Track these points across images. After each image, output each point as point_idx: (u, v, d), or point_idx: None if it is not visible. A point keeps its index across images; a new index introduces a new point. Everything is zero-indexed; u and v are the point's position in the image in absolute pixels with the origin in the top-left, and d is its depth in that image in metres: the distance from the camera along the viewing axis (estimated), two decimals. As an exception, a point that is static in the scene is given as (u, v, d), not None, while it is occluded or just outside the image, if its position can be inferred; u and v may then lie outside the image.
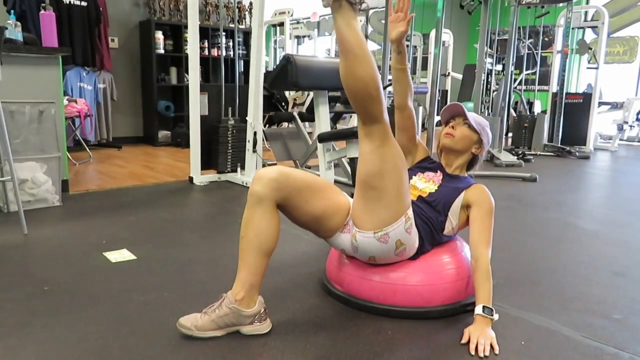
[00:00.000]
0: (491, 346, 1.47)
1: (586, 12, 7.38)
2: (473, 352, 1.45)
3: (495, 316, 1.56)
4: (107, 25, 5.49)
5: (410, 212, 1.61)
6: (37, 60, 3.12)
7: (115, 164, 4.68)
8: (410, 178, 1.88)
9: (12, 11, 3.47)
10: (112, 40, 5.70)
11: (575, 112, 6.49)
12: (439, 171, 1.89)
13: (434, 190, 1.82)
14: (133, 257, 2.20)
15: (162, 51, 5.88)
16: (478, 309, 1.56)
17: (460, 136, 1.84)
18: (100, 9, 5.34)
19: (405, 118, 1.91)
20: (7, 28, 2.53)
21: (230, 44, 6.15)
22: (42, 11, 3.25)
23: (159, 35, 5.82)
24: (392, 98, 2.64)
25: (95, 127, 5.42)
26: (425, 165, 1.94)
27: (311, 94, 5.09)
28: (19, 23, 3.16)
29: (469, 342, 1.50)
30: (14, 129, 2.90)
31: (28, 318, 1.62)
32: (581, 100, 6.51)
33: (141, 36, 5.95)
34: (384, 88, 4.83)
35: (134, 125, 6.10)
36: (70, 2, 5.05)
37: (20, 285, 1.89)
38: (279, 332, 1.56)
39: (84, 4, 5.16)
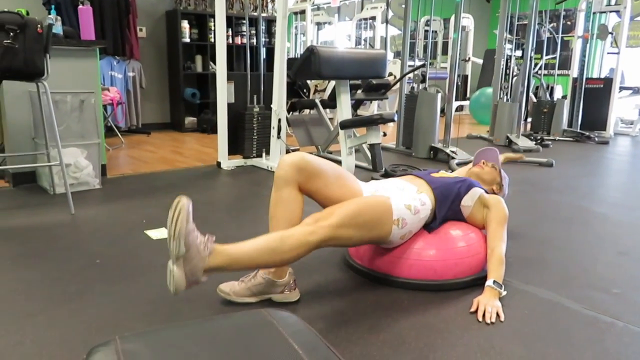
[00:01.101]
0: (497, 314, 1.65)
1: (609, -4, 7.31)
2: (480, 319, 1.63)
3: (504, 292, 1.74)
4: (136, 16, 5.70)
5: (395, 214, 1.75)
6: (76, 52, 3.34)
7: (146, 149, 4.92)
8: (439, 170, 2.19)
9: (52, 6, 3.68)
10: (140, 30, 5.91)
11: (595, 97, 6.50)
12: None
13: (460, 177, 2.11)
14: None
15: (187, 40, 6.08)
16: (489, 282, 1.75)
17: (488, 171, 2.31)
18: (129, 0, 5.54)
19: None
20: (53, 24, 2.73)
21: (254, 32, 6.31)
22: (80, 6, 3.46)
23: (185, 24, 6.01)
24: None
25: (125, 113, 5.66)
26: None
27: (332, 82, 5.24)
28: (59, 17, 3.37)
29: (477, 310, 1.68)
30: (57, 117, 3.11)
31: (85, 286, 1.85)
32: (602, 86, 6.52)
33: (167, 25, 6.15)
34: (411, 72, 4.93)
35: (161, 112, 6.34)
36: (101, -6, 5.27)
37: (74, 258, 2.12)
38: (307, 300, 1.76)
39: (113, -5, 5.37)
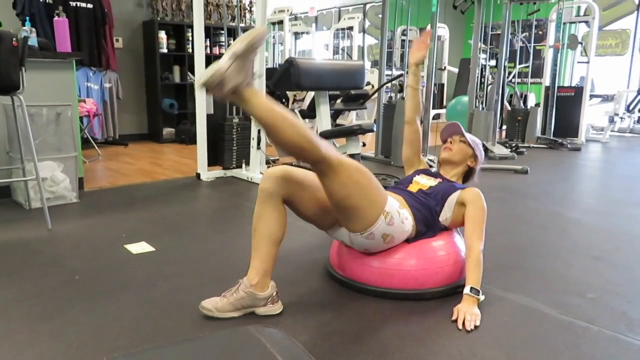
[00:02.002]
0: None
1: (578, 7, 7.54)
2: (460, 327, 1.66)
3: (482, 297, 1.77)
4: (112, 26, 5.66)
5: (387, 207, 1.77)
6: (52, 64, 3.30)
7: (123, 161, 4.87)
8: (414, 176, 2.15)
9: (27, 18, 3.64)
10: (117, 40, 5.86)
11: (567, 105, 6.67)
12: (438, 177, 2.14)
13: (434, 185, 2.06)
14: (152, 248, 2.40)
15: (165, 50, 6.05)
16: (466, 289, 1.77)
17: (457, 150, 2.15)
18: (105, 10, 5.50)
19: (413, 132, 2.22)
20: (29, 37, 2.70)
21: (231, 42, 6.31)
22: (56, 17, 3.42)
23: (162, 34, 5.99)
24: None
25: (102, 125, 5.59)
26: (427, 171, 2.20)
27: (311, 92, 5.28)
28: (33, 29, 3.34)
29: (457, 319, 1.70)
30: (33, 130, 3.06)
31: (66, 303, 1.82)
32: (573, 94, 6.70)
33: (145, 36, 6.12)
34: (389, 82, 5.00)
35: (139, 123, 6.28)
36: (76, 4, 5.22)
37: (53, 274, 2.08)
38: (290, 312, 1.76)
39: (89, 6, 5.33)
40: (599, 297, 1.95)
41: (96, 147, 5.07)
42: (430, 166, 2.36)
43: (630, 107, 7.32)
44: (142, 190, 3.69)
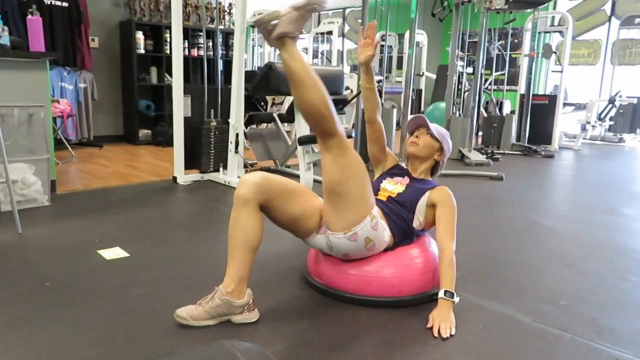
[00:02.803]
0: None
1: (552, 17, 7.71)
2: (436, 334, 1.67)
3: (456, 299, 1.78)
4: (88, 26, 5.56)
5: (374, 211, 1.80)
6: (25, 64, 3.22)
7: (98, 163, 4.78)
8: (381, 182, 2.12)
9: (0, 16, 3.55)
10: (93, 40, 5.76)
11: (541, 112, 6.81)
12: (406, 176, 2.11)
13: (402, 191, 2.04)
14: (126, 254, 2.36)
15: (142, 51, 5.97)
16: (441, 293, 1.78)
17: (423, 144, 2.08)
18: (81, 9, 5.41)
19: (375, 131, 2.15)
20: (1, 35, 2.63)
21: (209, 44, 6.27)
22: (30, 16, 3.34)
23: (140, 35, 5.91)
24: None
25: (76, 126, 5.48)
26: (394, 171, 2.17)
27: (290, 96, 5.26)
28: (5, 27, 3.25)
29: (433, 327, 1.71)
30: (4, 131, 2.98)
31: (36, 311, 1.77)
32: (547, 102, 6.84)
33: (121, 36, 6.02)
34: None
35: (114, 124, 6.18)
36: (51, 3, 5.11)
37: (23, 281, 2.03)
38: (267, 320, 1.75)
39: (65, 4, 5.23)
40: (571, 304, 1.98)
41: (70, 149, 4.96)
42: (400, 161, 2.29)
43: (602, 116, 7.51)
44: (117, 193, 3.62)
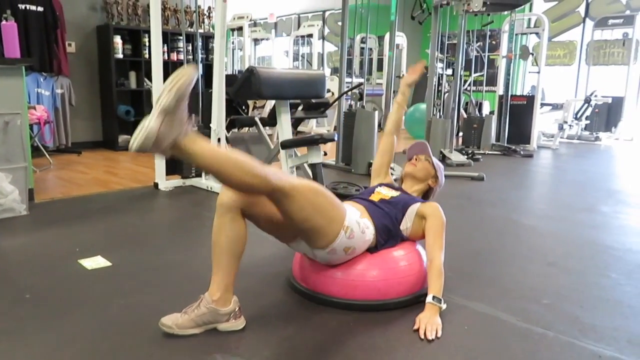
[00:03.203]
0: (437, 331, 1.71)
1: (529, 19, 7.84)
2: (422, 336, 1.68)
3: (443, 305, 1.80)
4: (65, 31, 5.46)
5: (347, 221, 1.77)
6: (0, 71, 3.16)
7: (77, 170, 4.70)
8: (376, 187, 2.21)
9: (-28, 22, 3.46)
10: (69, 45, 5.67)
11: (520, 112, 6.91)
12: (400, 191, 2.20)
13: (395, 195, 2.12)
14: (108, 263, 2.32)
15: (120, 56, 5.89)
16: (429, 298, 1.80)
17: (421, 167, 2.26)
18: (57, 13, 5.31)
19: (389, 144, 2.37)
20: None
21: (189, 48, 6.22)
22: (4, 22, 3.28)
23: (118, 39, 5.83)
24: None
25: (54, 132, 5.39)
26: (390, 185, 2.26)
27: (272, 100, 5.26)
28: (-21, 33, 3.18)
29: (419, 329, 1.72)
30: (-21, 140, 2.94)
31: (16, 324, 1.73)
32: (525, 102, 6.95)
33: (99, 40, 5.94)
34: (349, 91, 5.04)
35: (93, 130, 6.09)
36: (26, 7, 5.02)
37: (1, 294, 1.98)
38: (253, 327, 1.74)
39: (40, 9, 5.14)
40: (554, 302, 2.01)
41: (47, 156, 4.87)
42: (392, 174, 2.44)
43: (578, 115, 7.66)
44: (97, 201, 3.57)
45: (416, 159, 2.27)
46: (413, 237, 2.06)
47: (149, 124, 1.36)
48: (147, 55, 5.97)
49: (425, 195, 2.29)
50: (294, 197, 1.58)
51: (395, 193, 2.14)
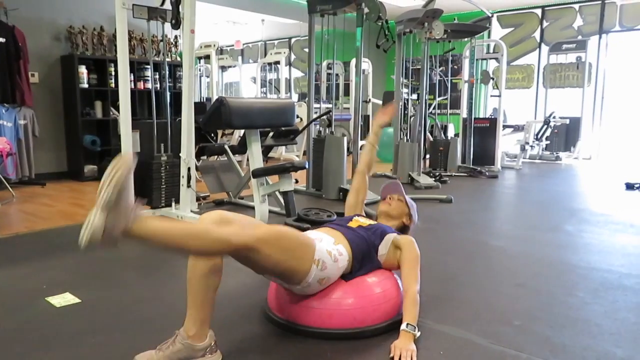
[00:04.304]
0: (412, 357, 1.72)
1: (488, 45, 8.15)
2: (397, 364, 1.69)
3: (418, 333, 1.82)
4: (27, 61, 5.38)
5: (317, 255, 1.79)
6: (-39, 104, 3.08)
7: (41, 202, 4.57)
8: (354, 216, 2.25)
9: None
10: (32, 75, 5.58)
11: (483, 134, 7.13)
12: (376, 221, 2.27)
13: (373, 223, 2.18)
14: (77, 300, 2.26)
15: (86, 85, 5.83)
16: (403, 325, 1.82)
17: (395, 206, 2.34)
18: (19, 44, 5.24)
19: (361, 182, 2.47)
20: None
21: (156, 76, 6.20)
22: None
23: (83, 69, 5.78)
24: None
25: (16, 164, 5.25)
26: (367, 216, 2.33)
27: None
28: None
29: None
30: (-62, 175, 2.85)
31: (-20, 369, 1.67)
32: (488, 125, 7.17)
33: (63, 70, 5.87)
34: (318, 118, 5.09)
35: (57, 161, 5.96)
36: (-13, 38, 4.93)
37: (-36, 337, 1.90)
38: (230, 361, 1.72)
39: (2, 40, 5.05)
40: (525, 324, 2.06)
41: (10, 189, 4.73)
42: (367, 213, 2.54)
43: (539, 136, 7.93)
44: (64, 235, 3.47)
45: (390, 198, 2.35)
46: (387, 266, 2.09)
47: (93, 220, 1.35)
48: (113, 85, 5.93)
49: (401, 232, 2.32)
50: (259, 249, 1.59)
51: (372, 222, 2.20)
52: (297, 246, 1.74)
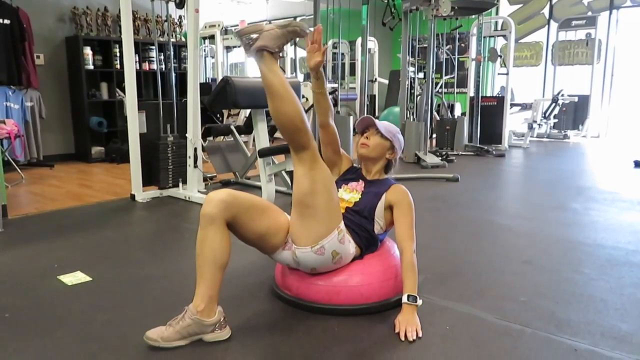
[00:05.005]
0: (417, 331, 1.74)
1: (496, 22, 8.02)
2: (403, 339, 1.71)
3: (419, 302, 1.83)
4: (33, 43, 5.37)
5: (342, 225, 1.85)
6: (-32, 86, 3.10)
7: (50, 184, 4.62)
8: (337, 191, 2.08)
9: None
10: (38, 57, 5.57)
11: (490, 113, 7.07)
12: (360, 180, 2.13)
13: (358, 199, 2.06)
14: (88, 278, 2.29)
15: (91, 67, 5.82)
16: (404, 298, 1.83)
17: (373, 145, 2.10)
18: (24, 26, 5.22)
19: (329, 134, 2.15)
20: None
21: (161, 57, 6.18)
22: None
23: (87, 50, 5.76)
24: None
25: (24, 146, 5.28)
26: (349, 176, 2.18)
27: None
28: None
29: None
30: (-52, 157, 2.88)
31: (-4, 345, 1.71)
32: (495, 103, 7.11)
33: (68, 52, 5.86)
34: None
35: (65, 143, 5.99)
36: (-8, 20, 4.92)
37: (-21, 314, 1.94)
38: (238, 337, 1.75)
39: (6, 21, 5.04)
40: (530, 300, 2.07)
41: (19, 170, 4.77)
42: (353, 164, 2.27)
43: (547, 114, 7.86)
44: (73, 215, 3.51)
45: (367, 137, 2.11)
46: (390, 226, 2.06)
47: (263, 25, 1.74)
48: (118, 66, 5.92)
49: (387, 168, 2.18)
50: (316, 167, 1.77)
51: (357, 196, 2.06)
52: (335, 200, 1.84)
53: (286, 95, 1.70)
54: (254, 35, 1.70)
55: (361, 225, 2.00)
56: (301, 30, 1.75)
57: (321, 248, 1.80)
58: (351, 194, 2.09)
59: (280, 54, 1.75)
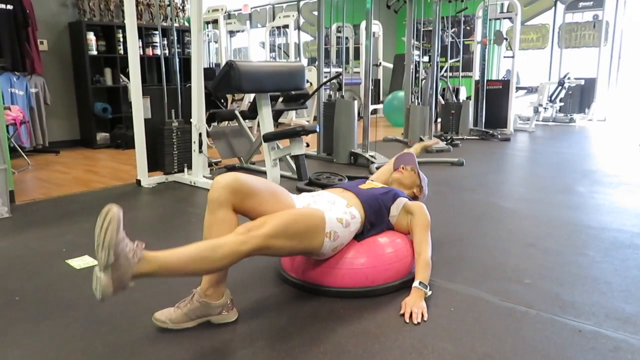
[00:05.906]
0: (422, 314, 1.76)
1: (502, 4, 7.93)
2: (408, 320, 1.73)
3: (429, 292, 1.86)
4: (36, 28, 5.36)
5: (327, 227, 1.82)
6: (-27, 72, 3.10)
7: (56, 170, 4.64)
8: (367, 179, 2.36)
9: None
10: (42, 43, 5.57)
11: (496, 97, 7.03)
12: None
13: (386, 187, 2.25)
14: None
15: (95, 52, 5.81)
16: (415, 283, 1.87)
17: (408, 175, 2.43)
18: (27, 11, 5.21)
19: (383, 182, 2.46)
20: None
21: (164, 42, 6.16)
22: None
23: (91, 36, 5.75)
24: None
25: (30, 132, 5.30)
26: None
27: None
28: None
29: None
30: (-45, 143, 2.90)
31: (6, 327, 1.74)
32: (501, 87, 7.06)
33: (71, 38, 5.84)
34: (328, 82, 5.05)
35: (70, 129, 6.01)
36: (-6, 6, 4.91)
37: (-10, 297, 1.97)
38: (245, 319, 1.77)
39: (9, 7, 5.03)
40: (535, 282, 2.09)
41: (25, 157, 4.80)
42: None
43: (552, 98, 7.81)
44: (79, 200, 3.54)
45: (403, 168, 2.43)
46: (398, 228, 2.13)
47: (100, 279, 1.37)
48: (122, 51, 5.91)
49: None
50: (269, 246, 1.64)
51: (385, 185, 2.26)
52: (307, 229, 1.77)
53: (194, 267, 1.54)
54: (112, 289, 1.39)
55: (379, 199, 2.09)
56: (116, 229, 1.41)
57: (321, 254, 1.89)
58: (382, 185, 2.29)
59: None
